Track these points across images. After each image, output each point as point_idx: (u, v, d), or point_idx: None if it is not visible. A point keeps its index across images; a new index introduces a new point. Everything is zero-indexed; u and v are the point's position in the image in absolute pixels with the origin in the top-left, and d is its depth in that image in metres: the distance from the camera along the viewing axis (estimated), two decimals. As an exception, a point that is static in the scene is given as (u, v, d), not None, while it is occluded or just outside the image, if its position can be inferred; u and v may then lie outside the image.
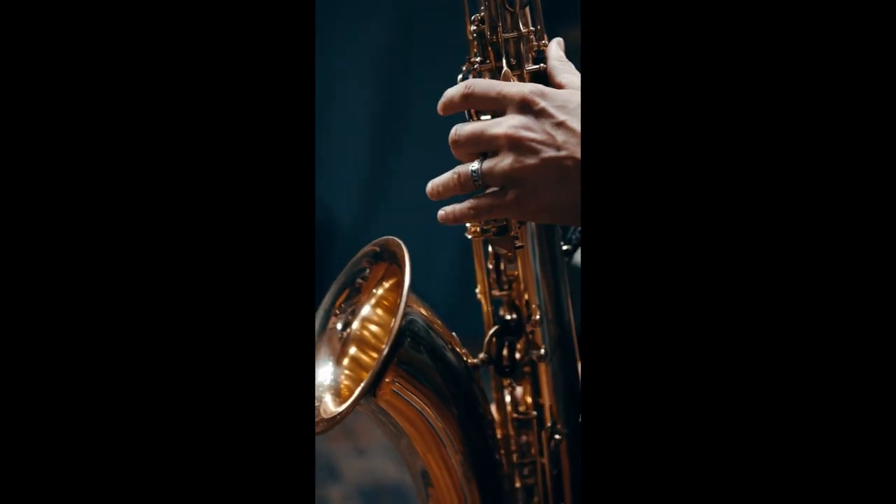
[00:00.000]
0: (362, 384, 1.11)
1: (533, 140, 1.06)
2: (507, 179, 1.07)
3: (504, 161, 1.07)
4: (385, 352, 1.11)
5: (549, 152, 1.05)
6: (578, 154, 1.04)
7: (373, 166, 3.57)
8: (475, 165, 1.08)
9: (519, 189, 1.07)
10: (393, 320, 1.11)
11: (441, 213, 1.12)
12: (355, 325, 1.22)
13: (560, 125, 1.06)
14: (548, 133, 1.06)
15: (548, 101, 1.07)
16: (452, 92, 1.11)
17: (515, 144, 1.06)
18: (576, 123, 1.05)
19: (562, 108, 1.06)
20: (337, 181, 3.67)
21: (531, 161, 1.06)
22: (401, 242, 1.18)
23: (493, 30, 1.14)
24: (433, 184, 1.12)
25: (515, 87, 1.08)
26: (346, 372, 1.19)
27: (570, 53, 1.14)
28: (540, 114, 1.06)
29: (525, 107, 1.07)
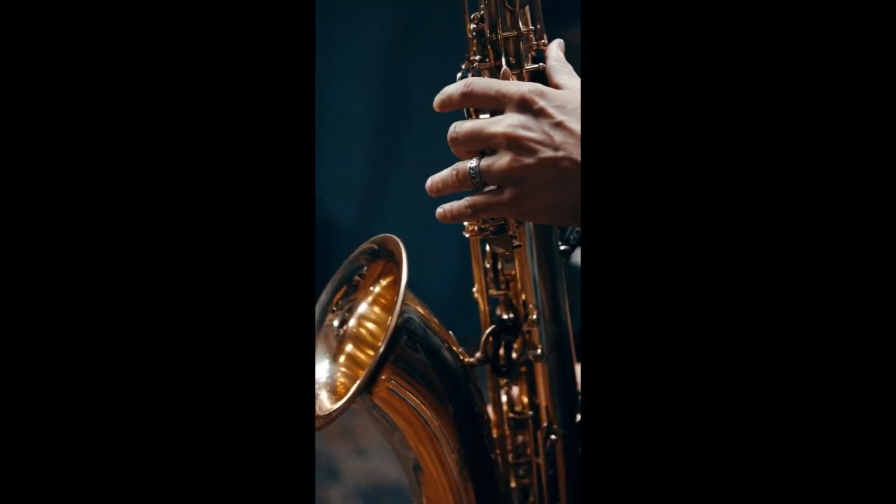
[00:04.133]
0: (358, 381, 1.11)
1: (531, 140, 1.05)
2: (504, 178, 1.07)
3: (502, 160, 1.06)
4: (381, 349, 1.11)
5: (547, 152, 1.05)
6: (577, 155, 1.04)
7: (372, 165, 3.56)
8: (473, 163, 1.08)
9: (516, 188, 1.07)
10: (390, 318, 1.11)
11: (440, 210, 1.11)
12: (352, 322, 1.22)
13: (558, 125, 1.05)
14: (546, 133, 1.05)
15: (547, 101, 1.06)
16: (451, 90, 1.10)
17: (513, 143, 1.06)
18: (574, 124, 1.05)
19: (560, 108, 1.06)
20: (337, 180, 3.66)
21: (529, 161, 1.05)
22: (398, 240, 1.18)
23: (493, 28, 1.14)
24: (433, 180, 1.11)
25: (515, 86, 1.08)
26: (343, 369, 1.19)
27: (569, 53, 1.14)
28: (539, 113, 1.06)
29: (524, 106, 1.06)
